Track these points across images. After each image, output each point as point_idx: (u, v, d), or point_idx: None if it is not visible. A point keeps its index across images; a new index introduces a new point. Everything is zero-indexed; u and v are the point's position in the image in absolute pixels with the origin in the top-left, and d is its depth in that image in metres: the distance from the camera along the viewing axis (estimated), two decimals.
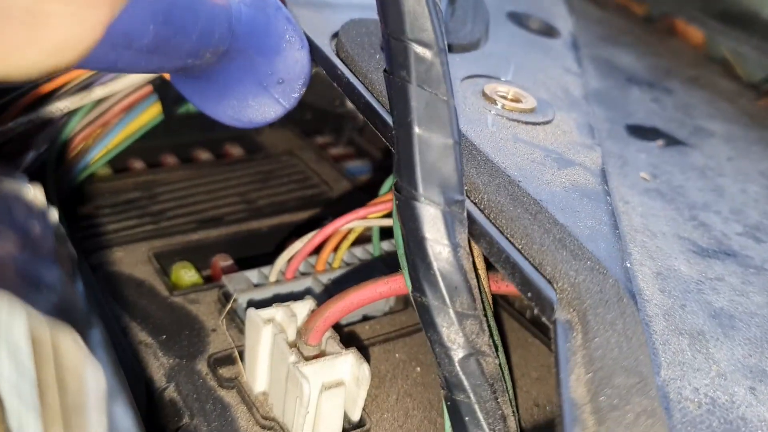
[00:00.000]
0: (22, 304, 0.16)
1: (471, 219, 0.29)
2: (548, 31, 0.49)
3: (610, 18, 0.61)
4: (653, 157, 0.43)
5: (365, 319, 0.42)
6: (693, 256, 0.36)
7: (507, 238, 0.29)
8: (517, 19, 0.49)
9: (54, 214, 0.19)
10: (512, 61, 0.43)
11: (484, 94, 0.38)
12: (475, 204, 0.30)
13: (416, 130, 0.28)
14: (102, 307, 0.40)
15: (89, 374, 0.17)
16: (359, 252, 0.44)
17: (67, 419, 0.18)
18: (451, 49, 0.41)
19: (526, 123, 0.37)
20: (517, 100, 0.38)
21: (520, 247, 0.28)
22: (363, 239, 0.44)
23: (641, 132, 0.46)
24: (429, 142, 0.29)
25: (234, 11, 0.34)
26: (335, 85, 0.36)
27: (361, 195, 0.54)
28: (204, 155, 0.56)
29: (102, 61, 0.28)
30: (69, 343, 0.17)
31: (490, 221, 0.29)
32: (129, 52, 0.28)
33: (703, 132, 0.48)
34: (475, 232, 0.29)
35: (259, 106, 0.37)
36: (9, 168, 0.19)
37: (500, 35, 0.46)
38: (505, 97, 0.38)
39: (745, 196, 0.42)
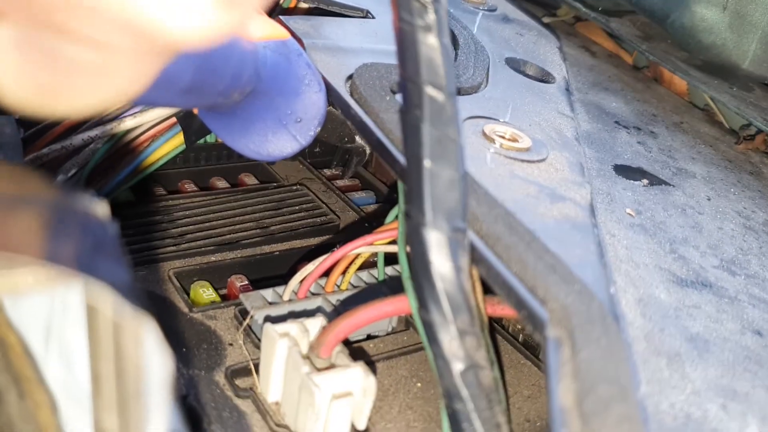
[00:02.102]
0: (106, 287, 0.19)
1: (472, 246, 0.33)
2: (543, 77, 0.54)
3: (601, 65, 0.66)
4: (638, 195, 0.47)
5: (370, 338, 0.45)
6: (672, 285, 0.39)
7: (504, 264, 0.32)
8: (515, 64, 0.53)
9: (115, 228, 0.23)
10: (510, 104, 0.47)
11: (484, 134, 0.42)
12: (475, 232, 0.34)
13: (427, 163, 0.32)
14: None
15: (158, 361, 0.20)
16: (365, 276, 0.47)
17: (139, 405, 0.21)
18: None
19: (522, 161, 0.41)
20: (514, 140, 0.42)
21: (516, 271, 0.32)
22: (368, 264, 0.48)
23: (628, 172, 0.49)
24: (437, 174, 0.32)
25: (260, 56, 0.38)
26: (349, 123, 0.40)
27: (366, 224, 0.57)
28: (220, 183, 0.59)
29: (142, 100, 0.32)
30: (149, 329, 0.20)
31: (489, 248, 0.33)
32: (168, 93, 0.32)
33: (685, 173, 0.52)
34: (475, 257, 0.33)
35: (278, 141, 0.41)
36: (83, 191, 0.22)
37: (499, 80, 0.50)
38: (503, 137, 0.42)
39: (721, 233, 0.46)
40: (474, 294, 0.34)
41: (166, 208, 0.54)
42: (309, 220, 0.55)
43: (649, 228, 0.44)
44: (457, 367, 0.31)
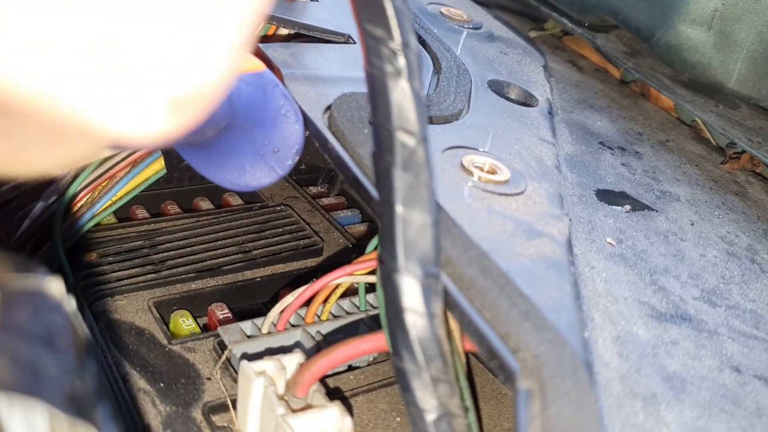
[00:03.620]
0: (45, 406, 0.19)
1: (445, 290, 0.33)
2: (526, 100, 0.53)
3: (587, 81, 0.65)
4: (620, 222, 0.47)
5: (350, 369, 0.45)
6: (651, 320, 0.39)
7: (477, 310, 0.32)
8: (498, 87, 0.53)
9: (72, 304, 0.22)
10: (490, 132, 0.46)
11: (463, 166, 0.41)
12: (449, 276, 0.33)
13: (399, 209, 0.32)
14: (105, 356, 0.43)
15: None
16: (346, 304, 0.47)
17: None
18: (434, 121, 0.45)
19: (500, 194, 0.40)
20: (492, 172, 0.42)
21: (488, 318, 0.32)
22: (350, 292, 0.47)
23: (610, 197, 0.49)
24: (410, 220, 0.32)
25: (234, 90, 0.38)
26: (326, 157, 0.40)
27: (350, 247, 0.57)
28: (204, 204, 0.59)
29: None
30: None
31: (462, 293, 0.33)
32: None
33: (669, 196, 0.52)
34: (449, 302, 0.32)
35: (256, 172, 0.41)
36: (29, 261, 0.22)
37: (481, 105, 0.49)
38: (481, 169, 0.42)
39: (704, 260, 0.46)
40: (451, 336, 0.34)
41: (147, 233, 0.53)
42: (292, 243, 0.55)
43: (629, 258, 0.43)
44: (430, 416, 0.31)
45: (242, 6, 0.16)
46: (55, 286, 0.22)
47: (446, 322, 0.33)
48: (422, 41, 0.55)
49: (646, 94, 0.66)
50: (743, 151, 0.58)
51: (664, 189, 0.53)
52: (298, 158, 0.42)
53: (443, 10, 0.62)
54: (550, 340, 0.31)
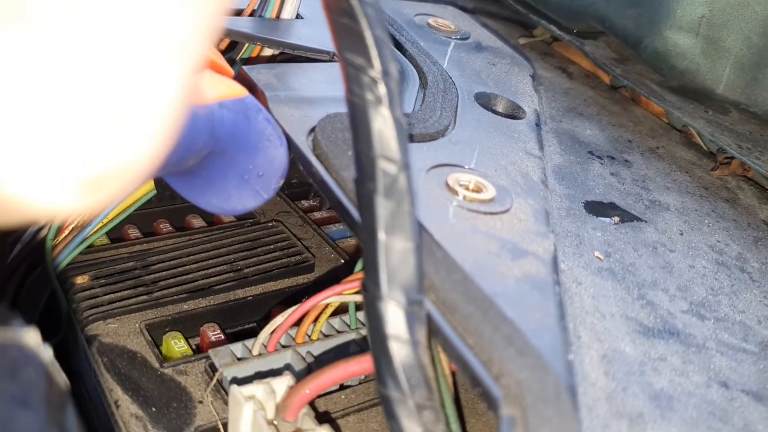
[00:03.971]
0: None
1: (429, 316, 0.33)
2: (514, 112, 0.53)
3: (577, 88, 0.65)
4: (608, 235, 0.47)
5: (342, 388, 0.45)
6: (638, 336, 0.39)
7: (460, 336, 0.32)
8: (485, 100, 0.53)
9: (48, 354, 0.23)
10: (476, 147, 0.46)
11: (448, 185, 0.41)
12: (432, 302, 0.34)
13: (381, 236, 0.32)
14: (98, 380, 0.43)
15: None
16: (337, 323, 0.47)
17: None
18: (419, 138, 0.45)
19: (485, 213, 0.40)
20: (478, 190, 0.42)
21: (471, 344, 0.32)
22: (341, 309, 0.48)
23: (599, 208, 0.49)
24: (392, 247, 0.32)
25: (216, 117, 0.38)
26: (310, 180, 0.40)
27: (342, 262, 0.57)
28: (196, 222, 0.59)
29: None
30: None
31: (446, 319, 0.33)
32: None
33: (659, 206, 0.52)
34: (432, 328, 0.33)
35: (241, 196, 0.41)
36: (4, 312, 0.22)
37: (467, 120, 0.49)
38: (467, 187, 0.42)
39: (692, 272, 0.46)
40: (436, 358, 0.34)
41: (139, 253, 0.54)
42: (284, 260, 0.55)
43: (617, 272, 0.43)
44: None
45: (170, 75, 0.15)
46: (30, 337, 0.22)
47: (430, 347, 0.33)
48: (409, 55, 0.55)
49: (637, 100, 0.66)
50: (734, 157, 0.58)
51: (654, 198, 0.53)
52: (282, 182, 0.42)
53: (430, 21, 0.62)
54: (532, 365, 0.31)
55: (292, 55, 0.49)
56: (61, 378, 0.22)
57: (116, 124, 0.15)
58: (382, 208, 0.32)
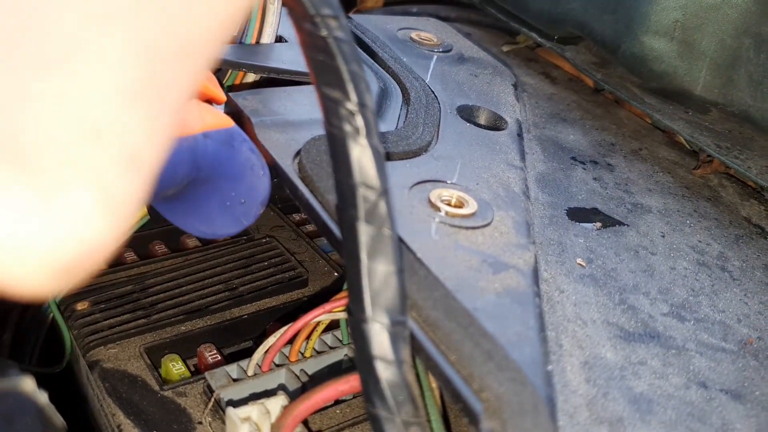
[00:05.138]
0: None
1: (412, 335, 0.34)
2: (495, 123, 0.54)
3: (560, 93, 0.66)
4: (590, 241, 0.48)
5: (337, 403, 0.46)
6: (619, 341, 0.40)
7: (442, 353, 0.33)
8: (467, 113, 0.54)
9: (43, 398, 0.24)
10: (458, 162, 0.48)
11: (430, 202, 0.43)
12: (415, 320, 0.35)
13: (363, 261, 0.33)
14: (101, 405, 0.45)
15: None
16: (329, 339, 0.49)
17: None
18: (402, 156, 0.46)
19: (467, 228, 0.42)
20: (459, 206, 0.43)
21: (453, 360, 0.33)
22: (333, 325, 0.49)
23: (581, 214, 0.50)
24: (375, 270, 0.33)
25: (200, 147, 0.39)
26: (297, 203, 0.41)
27: (335, 275, 0.59)
28: (191, 242, 0.60)
29: None
30: None
31: (428, 337, 0.34)
32: None
33: (641, 209, 0.53)
34: (415, 346, 0.34)
35: (223, 222, 0.42)
36: (2, 360, 0.23)
37: (449, 134, 0.50)
38: (449, 203, 0.43)
39: (674, 273, 0.47)
40: (421, 374, 0.35)
41: (137, 276, 0.55)
42: (277, 276, 0.56)
43: (599, 278, 0.45)
44: None
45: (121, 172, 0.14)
46: (26, 385, 0.23)
47: (415, 364, 0.34)
48: (392, 72, 0.56)
49: (620, 102, 0.67)
50: None
51: (636, 201, 0.54)
52: (263, 209, 0.43)
53: (413, 35, 0.64)
54: (511, 378, 0.32)
55: (277, 78, 0.51)
56: (58, 420, 0.24)
57: (72, 216, 0.14)
58: (364, 234, 0.33)
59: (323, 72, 0.32)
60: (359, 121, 0.32)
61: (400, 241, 0.39)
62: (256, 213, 0.42)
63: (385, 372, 0.32)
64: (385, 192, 0.33)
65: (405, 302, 0.34)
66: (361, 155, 0.33)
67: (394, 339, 0.33)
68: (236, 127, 0.41)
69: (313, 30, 0.30)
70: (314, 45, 0.32)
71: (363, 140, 0.33)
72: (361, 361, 0.33)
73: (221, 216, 0.42)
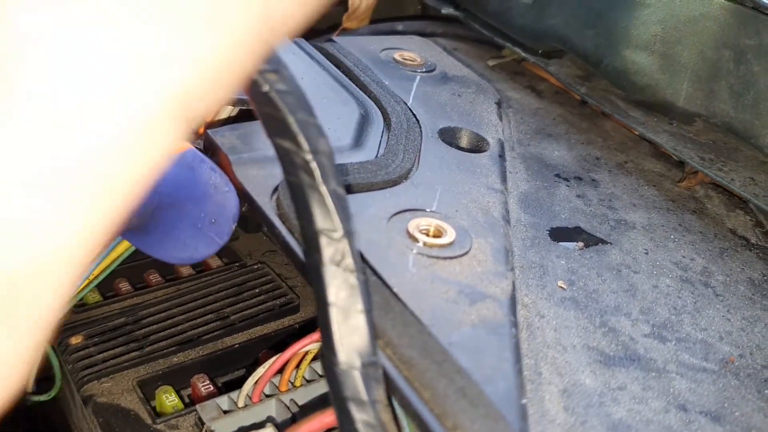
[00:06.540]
0: None
1: (386, 374, 0.35)
2: (477, 145, 0.55)
3: (546, 107, 0.67)
4: (572, 262, 0.48)
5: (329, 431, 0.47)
6: (599, 366, 0.41)
7: (416, 391, 0.34)
8: (448, 136, 0.54)
9: None
10: (438, 188, 0.48)
11: (408, 233, 0.43)
12: (389, 358, 0.35)
13: (332, 306, 0.34)
14: None
15: None
16: (319, 367, 0.49)
17: None
18: (381, 185, 0.47)
19: (445, 258, 0.42)
20: (438, 235, 0.43)
21: (427, 398, 0.34)
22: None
23: (564, 234, 0.51)
24: (343, 313, 0.34)
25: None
26: (273, 241, 0.42)
27: None
28: (185, 270, 0.61)
29: None
30: None
31: (402, 375, 0.35)
32: None
33: (624, 225, 0.53)
34: (390, 385, 0.35)
35: (197, 244, 0.43)
36: None
37: (430, 159, 0.51)
38: (427, 233, 0.43)
39: (656, 292, 0.47)
40: (402, 412, 0.36)
41: (130, 308, 0.56)
42: (269, 303, 0.57)
43: (580, 300, 0.45)
44: None
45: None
46: None
47: (391, 402, 0.35)
48: (374, 97, 0.57)
49: (606, 113, 0.67)
50: None
51: (620, 218, 0.54)
52: (235, 225, 0.44)
53: (396, 56, 0.64)
54: (484, 415, 0.33)
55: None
56: None
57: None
58: (330, 277, 0.34)
59: (272, 124, 0.33)
60: (315, 169, 0.33)
61: (376, 275, 0.40)
62: (229, 230, 0.42)
63: (358, 413, 0.33)
64: (347, 234, 0.34)
65: (374, 343, 0.34)
66: (321, 202, 0.33)
67: (366, 380, 0.33)
68: (192, 149, 0.42)
69: (255, 86, 0.30)
70: (258, 98, 0.33)
71: (321, 187, 0.33)
72: (336, 402, 0.34)
73: (195, 239, 0.42)
